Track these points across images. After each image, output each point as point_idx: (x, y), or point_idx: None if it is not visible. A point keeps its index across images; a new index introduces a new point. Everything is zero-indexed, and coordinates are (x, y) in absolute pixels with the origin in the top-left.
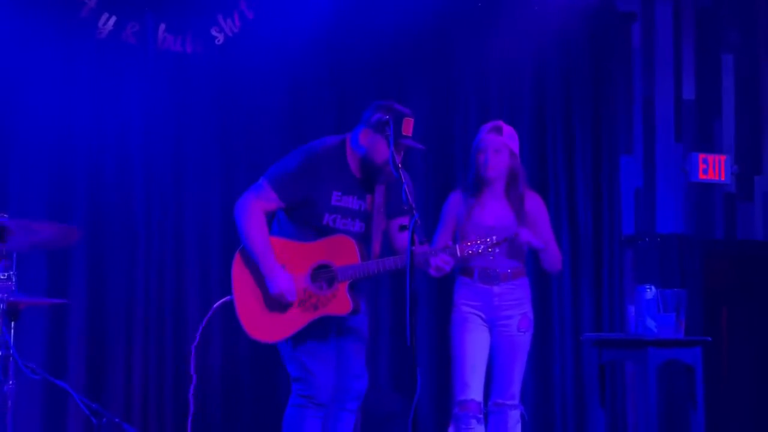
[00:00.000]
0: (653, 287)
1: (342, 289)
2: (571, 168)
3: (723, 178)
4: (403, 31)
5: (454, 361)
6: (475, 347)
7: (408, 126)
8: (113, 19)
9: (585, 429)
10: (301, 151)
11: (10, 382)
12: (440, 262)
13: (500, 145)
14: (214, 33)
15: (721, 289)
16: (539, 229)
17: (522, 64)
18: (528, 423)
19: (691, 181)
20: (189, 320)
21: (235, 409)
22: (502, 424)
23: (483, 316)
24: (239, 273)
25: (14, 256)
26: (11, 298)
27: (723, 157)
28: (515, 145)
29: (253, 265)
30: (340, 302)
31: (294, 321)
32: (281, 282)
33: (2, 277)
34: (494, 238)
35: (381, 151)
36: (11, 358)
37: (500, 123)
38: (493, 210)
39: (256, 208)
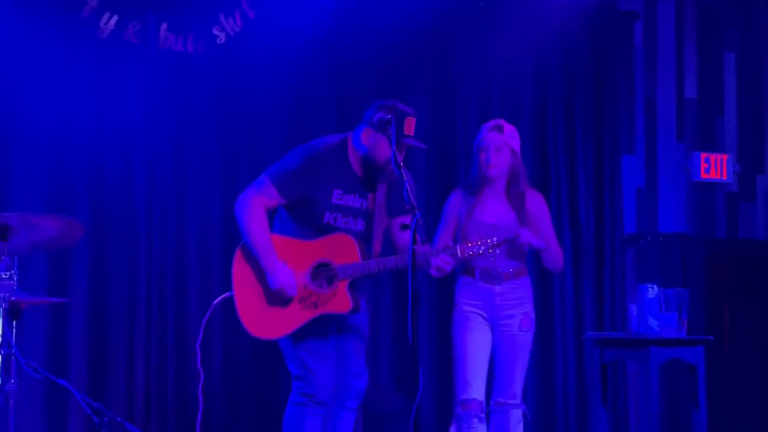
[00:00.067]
0: (655, 286)
1: (342, 287)
2: (572, 167)
3: (725, 178)
4: (404, 30)
5: (456, 360)
6: (476, 346)
7: (410, 125)
8: (115, 18)
9: (587, 428)
10: (303, 149)
11: (12, 381)
12: (441, 263)
13: (501, 143)
14: (215, 32)
15: (723, 288)
16: (540, 228)
17: (523, 63)
18: (530, 422)
19: (693, 181)
20: (190, 318)
21: (236, 408)
22: (503, 423)
23: (485, 315)
24: (240, 269)
25: (16, 255)
26: (13, 297)
27: (725, 157)
28: (516, 144)
29: (253, 260)
30: (340, 301)
31: (294, 318)
32: (282, 277)
33: (4, 276)
34: (495, 239)
35: (383, 150)
36: (13, 357)
37: (501, 122)
38: (494, 209)
39: (257, 204)
